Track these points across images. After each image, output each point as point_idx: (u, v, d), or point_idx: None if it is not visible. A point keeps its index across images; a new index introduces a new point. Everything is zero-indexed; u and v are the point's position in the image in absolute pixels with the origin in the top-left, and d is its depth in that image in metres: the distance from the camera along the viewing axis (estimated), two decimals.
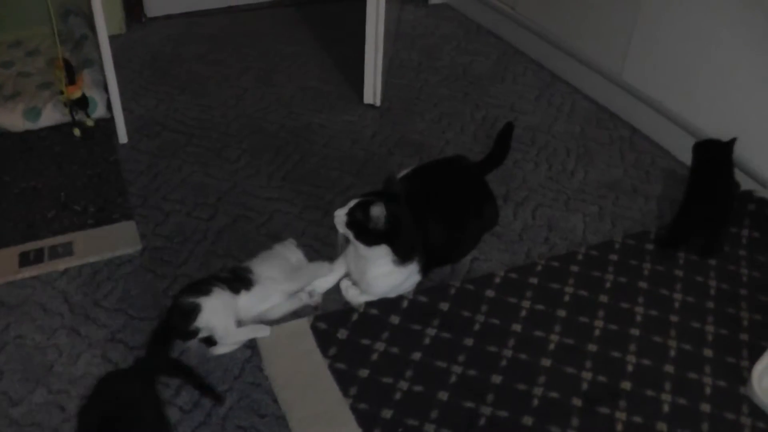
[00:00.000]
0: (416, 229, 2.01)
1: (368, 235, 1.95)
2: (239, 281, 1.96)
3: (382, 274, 2.02)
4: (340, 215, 1.97)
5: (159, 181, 2.55)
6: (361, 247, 1.98)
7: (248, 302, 1.96)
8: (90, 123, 2.81)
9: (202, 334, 1.87)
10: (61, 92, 2.75)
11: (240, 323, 1.93)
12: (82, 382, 1.81)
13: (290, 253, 2.13)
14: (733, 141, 2.34)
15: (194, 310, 1.86)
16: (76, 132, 2.77)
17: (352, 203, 1.97)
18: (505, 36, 3.67)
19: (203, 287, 1.91)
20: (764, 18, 2.34)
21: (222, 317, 1.88)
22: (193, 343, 1.89)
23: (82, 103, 2.77)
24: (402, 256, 1.99)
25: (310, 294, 2.07)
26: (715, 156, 2.36)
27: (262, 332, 1.94)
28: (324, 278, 2.11)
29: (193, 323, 1.85)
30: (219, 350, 1.90)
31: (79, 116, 2.78)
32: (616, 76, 2.98)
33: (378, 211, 1.90)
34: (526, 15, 3.47)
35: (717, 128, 2.55)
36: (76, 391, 1.79)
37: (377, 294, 2.07)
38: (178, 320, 1.87)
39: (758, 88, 2.42)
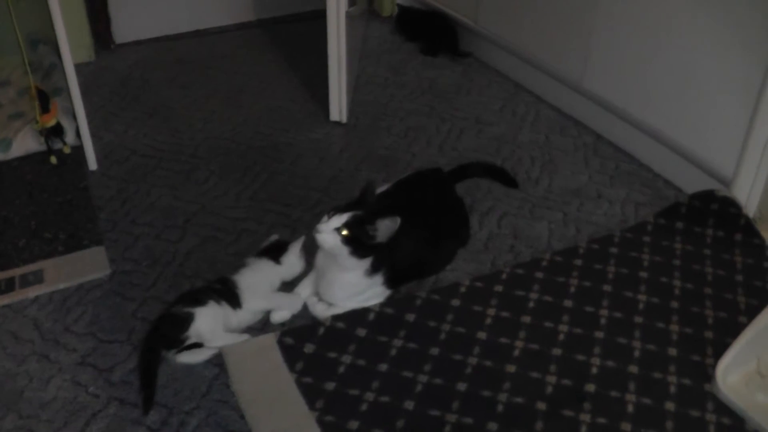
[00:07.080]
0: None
1: (364, 249, 1.96)
2: (232, 297, 2.03)
3: (350, 283, 2.05)
4: (327, 231, 1.93)
5: (128, 206, 2.57)
6: (347, 260, 1.98)
7: (242, 317, 2.04)
8: (67, 150, 2.82)
9: (189, 341, 1.92)
10: (36, 121, 2.76)
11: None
12: (52, 406, 1.82)
13: (272, 267, 2.17)
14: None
15: (187, 320, 1.92)
16: (53, 160, 2.78)
17: (341, 218, 1.94)
18: (468, 49, 3.70)
19: (200, 297, 1.98)
20: (721, 21, 2.38)
21: (211, 323, 1.94)
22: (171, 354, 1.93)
23: (58, 130, 2.79)
24: (376, 267, 2.03)
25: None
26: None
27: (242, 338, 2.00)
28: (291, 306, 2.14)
29: (185, 332, 1.91)
30: (186, 358, 1.92)
31: (57, 144, 2.80)
32: (577, 84, 3.02)
33: (392, 225, 1.92)
34: (488, 27, 3.51)
35: (677, 130, 2.60)
36: (46, 415, 1.80)
37: (341, 301, 2.09)
38: (170, 329, 1.92)
39: (716, 90, 2.45)
